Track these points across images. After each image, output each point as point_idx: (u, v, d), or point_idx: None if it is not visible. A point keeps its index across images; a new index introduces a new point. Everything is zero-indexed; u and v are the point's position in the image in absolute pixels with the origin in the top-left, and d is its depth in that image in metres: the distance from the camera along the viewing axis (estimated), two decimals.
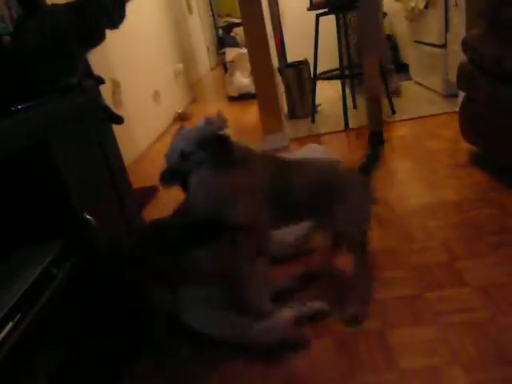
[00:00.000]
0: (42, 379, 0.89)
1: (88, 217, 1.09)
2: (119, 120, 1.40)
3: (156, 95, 3.88)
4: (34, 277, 0.92)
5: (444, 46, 2.95)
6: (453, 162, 2.08)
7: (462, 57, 2.00)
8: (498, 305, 1.17)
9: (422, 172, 2.05)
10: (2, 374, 0.76)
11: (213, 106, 4.76)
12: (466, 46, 1.92)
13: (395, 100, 3.08)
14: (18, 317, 0.83)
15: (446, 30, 2.89)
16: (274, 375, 1.11)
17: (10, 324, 0.80)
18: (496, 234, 1.47)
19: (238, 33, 6.01)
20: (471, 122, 1.96)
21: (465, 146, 2.11)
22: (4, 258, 1.00)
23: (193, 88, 5.41)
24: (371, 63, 2.36)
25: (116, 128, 1.43)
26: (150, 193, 2.43)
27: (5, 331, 0.78)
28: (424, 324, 1.16)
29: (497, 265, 1.32)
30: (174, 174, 1.16)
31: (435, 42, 3.04)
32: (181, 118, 4.25)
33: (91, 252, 1.10)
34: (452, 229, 1.55)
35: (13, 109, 1.04)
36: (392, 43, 4.10)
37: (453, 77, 2.63)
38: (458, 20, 2.62)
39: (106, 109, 1.36)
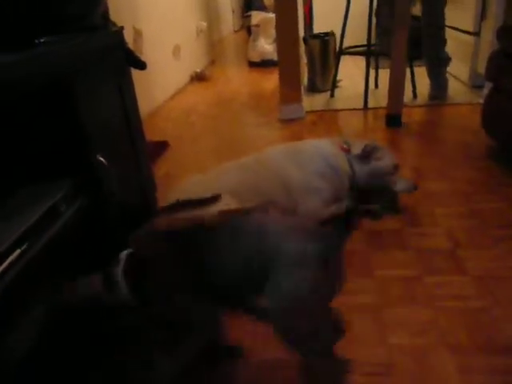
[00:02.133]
0: (39, 312, 0.92)
1: (101, 159, 1.09)
2: (142, 65, 1.38)
3: (176, 50, 3.81)
4: (42, 211, 0.93)
5: (477, 34, 2.86)
6: (469, 152, 2.05)
7: (494, 46, 1.94)
8: (494, 296, 1.18)
9: (437, 159, 2.03)
10: (5, 299, 0.78)
11: (232, 70, 4.69)
12: (501, 34, 1.86)
13: (418, 84, 3.01)
14: (24, 246, 0.85)
15: (482, 17, 2.80)
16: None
17: (18, 251, 0.82)
18: (501, 228, 1.46)
19: None
20: (495, 115, 1.92)
21: (484, 138, 2.08)
22: (16, 193, 1.01)
23: (213, 49, 5.30)
24: (400, 40, 2.30)
25: (135, 78, 1.41)
26: (160, 147, 2.43)
27: (12, 257, 0.80)
28: (419, 305, 1.17)
29: (498, 258, 1.32)
30: None
31: (468, 29, 2.94)
32: (198, 77, 4.19)
33: (101, 193, 1.10)
34: (458, 218, 1.55)
35: (36, 41, 1.02)
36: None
37: (481, 67, 2.56)
38: (497, 8, 2.53)
39: (129, 52, 1.33)
